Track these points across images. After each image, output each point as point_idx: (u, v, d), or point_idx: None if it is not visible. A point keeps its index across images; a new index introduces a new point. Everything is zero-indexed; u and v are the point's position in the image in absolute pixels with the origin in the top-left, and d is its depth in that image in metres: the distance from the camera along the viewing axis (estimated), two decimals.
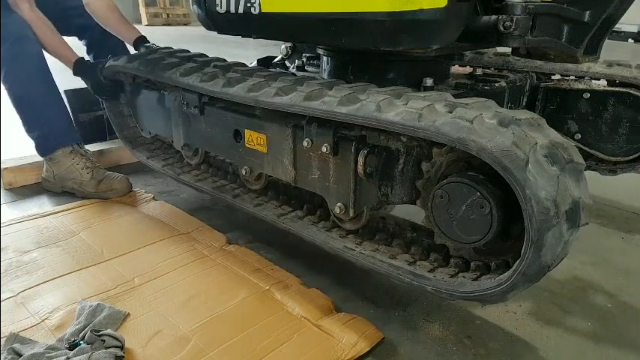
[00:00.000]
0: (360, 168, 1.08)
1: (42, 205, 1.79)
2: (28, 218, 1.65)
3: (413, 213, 1.18)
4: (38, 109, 1.81)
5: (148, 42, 2.07)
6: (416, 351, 1.10)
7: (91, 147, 2.18)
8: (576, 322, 1.21)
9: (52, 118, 1.84)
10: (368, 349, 1.08)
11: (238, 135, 1.37)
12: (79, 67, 1.88)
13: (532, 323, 1.20)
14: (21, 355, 1.00)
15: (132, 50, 2.01)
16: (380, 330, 1.14)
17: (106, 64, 1.75)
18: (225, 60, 1.52)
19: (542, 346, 1.13)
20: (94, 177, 1.84)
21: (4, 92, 1.80)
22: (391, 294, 1.27)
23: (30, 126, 1.83)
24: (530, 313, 1.24)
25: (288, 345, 1.09)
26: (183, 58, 1.55)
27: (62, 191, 1.87)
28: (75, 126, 1.97)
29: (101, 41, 2.16)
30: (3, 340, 1.07)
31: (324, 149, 1.14)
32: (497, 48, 1.59)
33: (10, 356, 1.00)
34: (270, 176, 1.40)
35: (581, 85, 1.53)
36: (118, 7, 2.08)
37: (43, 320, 1.15)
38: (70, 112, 2.02)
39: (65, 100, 2.34)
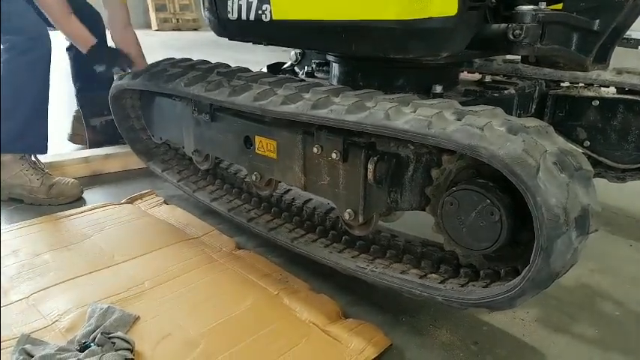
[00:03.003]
0: (370, 174, 1.09)
1: (51, 208, 1.81)
2: (40, 221, 1.67)
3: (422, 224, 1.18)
4: (26, 110, 1.79)
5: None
6: (423, 357, 1.11)
7: (99, 151, 2.21)
8: (584, 330, 1.21)
9: (33, 123, 1.82)
10: (376, 355, 1.08)
11: (248, 141, 1.39)
12: (94, 51, 1.97)
13: (539, 330, 1.20)
14: (32, 356, 1.01)
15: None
16: (387, 335, 1.14)
17: (112, 85, 1.79)
18: (228, 65, 1.53)
19: (550, 353, 1.13)
20: (44, 183, 1.81)
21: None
22: (399, 299, 1.28)
23: (7, 117, 1.77)
24: (537, 319, 1.24)
25: (297, 350, 1.09)
26: (186, 67, 1.55)
27: (8, 198, 1.83)
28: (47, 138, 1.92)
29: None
30: (4, 344, 1.09)
31: (334, 156, 1.15)
32: (507, 55, 1.59)
33: (21, 357, 1.02)
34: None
35: (590, 93, 1.53)
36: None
37: (54, 322, 1.17)
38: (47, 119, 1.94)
39: (77, 103, 2.39)
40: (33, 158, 1.88)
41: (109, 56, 2.04)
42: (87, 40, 1.99)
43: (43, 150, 1.90)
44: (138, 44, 2.22)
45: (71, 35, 2.04)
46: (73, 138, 2.43)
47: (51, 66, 1.83)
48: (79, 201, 1.87)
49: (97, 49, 2.01)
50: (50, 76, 1.84)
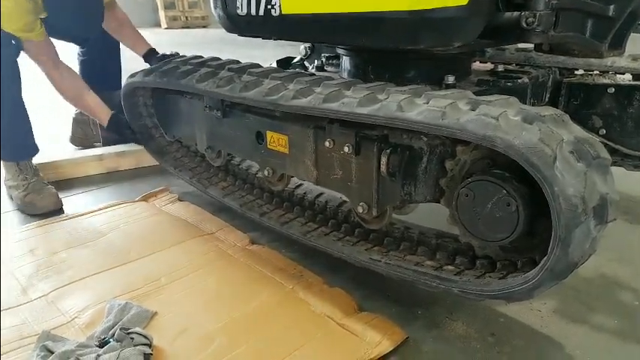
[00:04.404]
0: (382, 167, 1.08)
1: (68, 206, 1.84)
2: (56, 220, 1.69)
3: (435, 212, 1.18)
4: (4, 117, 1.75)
5: (158, 53, 2.13)
6: (440, 349, 1.10)
7: (112, 149, 2.23)
8: (602, 320, 1.19)
9: (9, 130, 1.78)
10: (392, 348, 1.08)
11: (260, 137, 1.39)
12: (113, 122, 1.97)
13: (557, 321, 1.19)
14: (53, 352, 1.03)
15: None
16: (403, 328, 1.14)
17: (125, 82, 1.79)
18: (239, 62, 1.53)
19: (568, 344, 1.11)
20: (26, 189, 1.79)
21: None
22: (414, 292, 1.27)
23: None
24: (555, 310, 1.23)
25: (312, 343, 1.10)
26: (197, 64, 1.55)
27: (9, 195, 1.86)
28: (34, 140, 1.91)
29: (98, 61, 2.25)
30: (26, 341, 1.11)
31: (346, 149, 1.14)
32: (519, 44, 1.57)
33: (42, 353, 1.03)
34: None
35: (605, 80, 1.50)
36: (128, 21, 2.19)
37: (73, 319, 1.19)
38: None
39: None
40: (27, 164, 1.87)
41: (125, 129, 1.97)
42: (104, 114, 1.98)
43: (23, 157, 1.86)
44: (131, 25, 2.23)
45: (88, 111, 2.06)
46: (73, 140, 2.46)
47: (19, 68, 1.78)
48: (56, 213, 1.77)
49: (115, 121, 1.99)
50: (20, 80, 1.79)
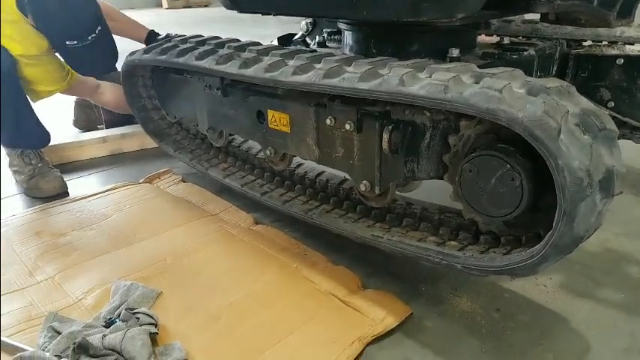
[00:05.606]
0: (385, 144, 1.06)
1: (72, 189, 1.84)
2: (61, 202, 1.70)
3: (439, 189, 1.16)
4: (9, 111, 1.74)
5: (159, 34, 2.11)
6: (444, 325, 1.10)
7: (116, 131, 2.23)
8: (608, 294, 1.19)
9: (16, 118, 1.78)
10: (396, 324, 1.09)
11: (261, 116, 1.37)
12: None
13: (563, 296, 1.18)
14: (60, 333, 1.04)
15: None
16: (407, 305, 1.14)
17: (125, 61, 1.77)
18: (239, 40, 1.50)
19: (573, 319, 1.11)
20: (32, 173, 1.78)
21: None
22: (418, 269, 1.27)
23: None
24: (560, 285, 1.22)
25: (317, 320, 1.10)
26: (197, 42, 1.53)
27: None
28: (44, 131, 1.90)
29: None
30: (33, 322, 1.12)
31: (347, 127, 1.13)
32: (525, 15, 1.53)
33: (49, 334, 1.04)
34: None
35: (614, 51, 1.46)
36: (119, 12, 2.18)
37: (79, 300, 1.20)
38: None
39: None
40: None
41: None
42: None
43: (38, 144, 1.87)
44: (120, 14, 2.24)
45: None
46: (76, 123, 2.47)
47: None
48: (61, 196, 1.77)
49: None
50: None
